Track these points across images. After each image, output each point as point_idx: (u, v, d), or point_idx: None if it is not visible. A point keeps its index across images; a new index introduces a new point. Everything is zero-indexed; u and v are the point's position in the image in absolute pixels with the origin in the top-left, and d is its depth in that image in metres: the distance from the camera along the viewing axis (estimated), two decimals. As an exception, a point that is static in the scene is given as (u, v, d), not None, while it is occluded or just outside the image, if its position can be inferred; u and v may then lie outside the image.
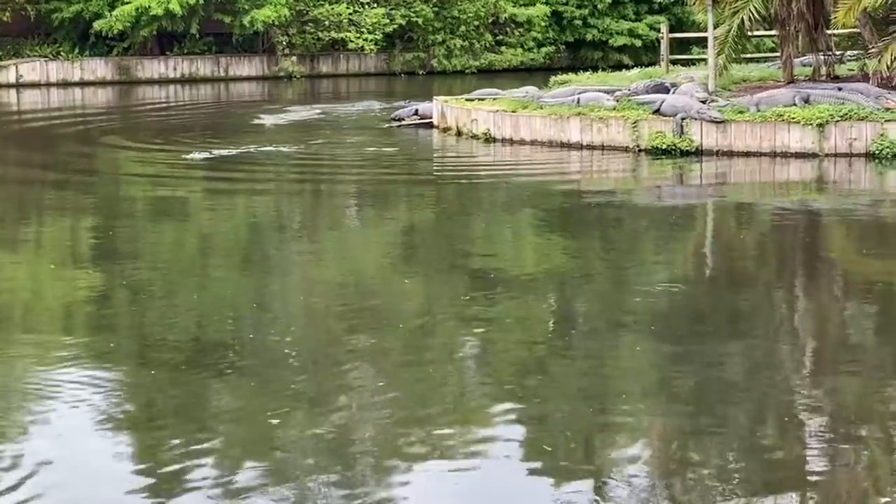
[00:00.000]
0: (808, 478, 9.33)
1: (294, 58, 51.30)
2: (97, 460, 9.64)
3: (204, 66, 51.24)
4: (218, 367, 12.20)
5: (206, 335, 13.52)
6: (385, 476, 9.39)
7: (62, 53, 49.56)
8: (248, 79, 51.38)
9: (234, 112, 39.19)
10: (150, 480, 9.16)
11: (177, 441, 10.06)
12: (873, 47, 31.23)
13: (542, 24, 52.02)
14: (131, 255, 18.31)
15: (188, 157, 27.79)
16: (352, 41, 50.47)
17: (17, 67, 48.86)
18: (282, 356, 12.49)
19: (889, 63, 29.64)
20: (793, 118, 26.08)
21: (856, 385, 11.66)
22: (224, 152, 28.62)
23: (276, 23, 49.55)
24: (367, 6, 50.58)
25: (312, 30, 50.81)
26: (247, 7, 49.11)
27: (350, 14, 50.34)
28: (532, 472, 9.52)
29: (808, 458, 9.76)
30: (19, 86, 48.18)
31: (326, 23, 50.52)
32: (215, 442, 10.12)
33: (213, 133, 33.02)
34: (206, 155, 28.07)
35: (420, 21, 51.42)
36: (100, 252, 18.73)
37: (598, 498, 8.89)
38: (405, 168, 27.28)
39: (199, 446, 9.90)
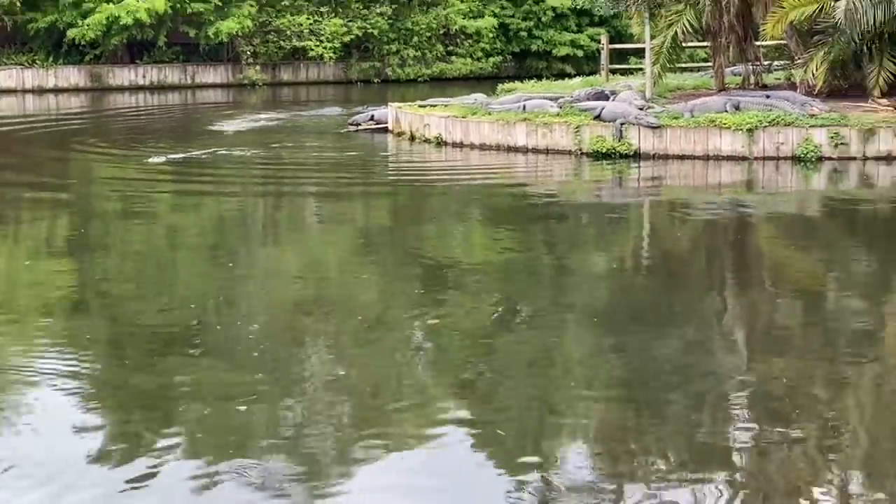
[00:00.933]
0: (737, 454, 9.43)
1: (257, 66, 51.24)
2: (73, 436, 9.64)
3: (172, 74, 51.08)
4: (186, 349, 12.22)
5: (172, 322, 13.51)
6: (341, 454, 9.43)
7: (37, 61, 49.34)
8: (214, 86, 51.24)
9: (199, 118, 39.06)
10: (119, 455, 9.19)
11: (149, 419, 10.08)
12: (799, 58, 31.52)
13: (490, 35, 52.13)
14: (101, 251, 18.29)
15: (151, 160, 27.62)
16: (312, 49, 50.42)
17: (-7, 75, 48.70)
18: (246, 341, 12.51)
19: (814, 72, 29.90)
20: (724, 124, 26.26)
21: (779, 362, 11.79)
22: (187, 156, 28.50)
23: (240, 34, 49.46)
24: (325, 17, 50.52)
25: (275, 39, 50.77)
26: (212, 19, 49.00)
27: (310, 24, 50.32)
28: (481, 447, 9.59)
29: (734, 432, 9.88)
30: (-5, 92, 48.02)
31: (288, 32, 50.50)
32: (186, 420, 10.16)
33: (179, 137, 32.88)
34: (169, 158, 27.93)
35: (376, 32, 51.42)
36: (71, 249, 18.66)
37: (538, 471, 8.97)
38: (362, 171, 27.26)
39: (169, 427, 9.95)
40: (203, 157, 28.48)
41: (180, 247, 18.88)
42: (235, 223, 20.99)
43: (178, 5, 48.53)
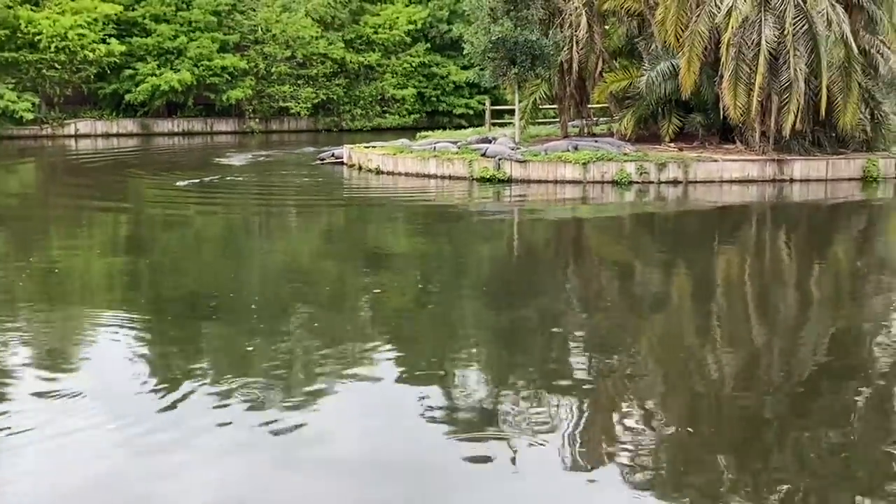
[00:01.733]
0: (575, 372, 9.59)
1: (256, 119, 50.64)
2: (125, 370, 9.58)
3: (196, 125, 50.24)
4: (208, 310, 12.15)
5: (198, 285, 13.44)
6: (312, 375, 9.46)
7: (105, 115, 48.45)
8: (225, 133, 50.43)
9: (214, 155, 38.42)
10: (162, 383, 9.15)
11: (181, 360, 10.03)
12: (616, 115, 31.89)
13: (412, 99, 52.00)
14: (149, 243, 18.11)
15: (179, 183, 27.16)
16: (292, 108, 50.04)
17: (75, 125, 47.66)
18: (250, 303, 12.47)
19: (626, 125, 30.28)
20: (567, 159, 26.47)
21: (603, 316, 11.96)
22: (205, 180, 28.09)
23: (244, 98, 49.03)
24: (301, 87, 50.18)
25: (267, 101, 50.22)
26: (225, 88, 48.56)
27: (291, 91, 49.88)
28: (406, 372, 9.65)
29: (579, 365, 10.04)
30: (77, 136, 46.97)
31: (276, 96, 49.99)
32: (207, 348, 10.14)
33: (199, 168, 32.29)
34: (192, 182, 27.39)
35: (335, 97, 51.11)
36: (129, 241, 18.47)
37: (446, 390, 9.06)
38: (326, 191, 27.15)
39: (198, 364, 9.91)
40: (216, 181, 28.17)
41: (201, 240, 18.73)
42: (238, 225, 20.85)
43: (201, 79, 48.02)
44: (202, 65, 48.00)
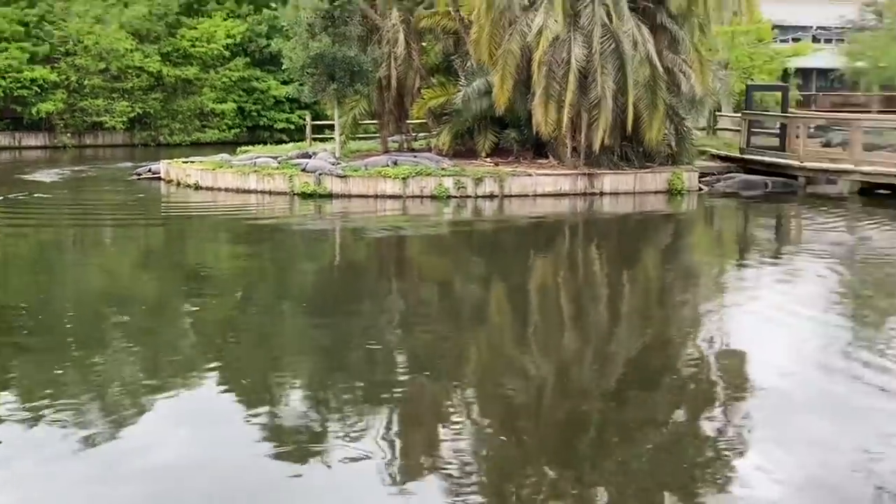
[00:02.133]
0: (395, 392, 9.71)
1: (68, 134, 48.77)
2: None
3: (3, 139, 48.01)
4: (16, 330, 11.69)
5: (9, 311, 12.87)
6: (135, 407, 9.26)
7: None
8: (35, 148, 48.31)
9: (22, 171, 36.73)
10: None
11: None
12: (434, 131, 32.34)
13: (232, 114, 51.24)
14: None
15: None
16: (107, 122, 48.51)
17: None
18: (62, 323, 12.07)
19: (444, 140, 30.76)
20: (387, 174, 26.65)
21: (422, 328, 12.14)
22: (10, 197, 26.91)
23: (55, 111, 47.20)
24: (116, 100, 48.70)
25: (80, 115, 48.52)
26: (34, 101, 46.62)
27: (105, 105, 48.37)
28: (228, 388, 9.57)
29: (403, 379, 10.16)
30: None
31: (90, 110, 48.36)
32: (17, 375, 9.77)
33: (4, 184, 30.92)
34: None
35: (152, 111, 49.88)
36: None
37: (267, 405, 9.04)
38: (143, 207, 26.43)
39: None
40: (23, 197, 26.98)
41: (8, 260, 17.93)
42: (49, 244, 20.07)
43: (8, 91, 45.98)
44: (9, 76, 45.98)
